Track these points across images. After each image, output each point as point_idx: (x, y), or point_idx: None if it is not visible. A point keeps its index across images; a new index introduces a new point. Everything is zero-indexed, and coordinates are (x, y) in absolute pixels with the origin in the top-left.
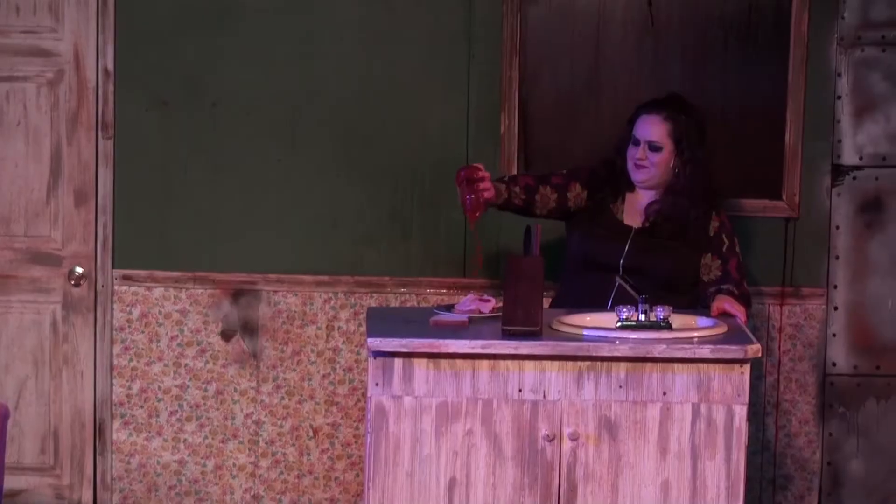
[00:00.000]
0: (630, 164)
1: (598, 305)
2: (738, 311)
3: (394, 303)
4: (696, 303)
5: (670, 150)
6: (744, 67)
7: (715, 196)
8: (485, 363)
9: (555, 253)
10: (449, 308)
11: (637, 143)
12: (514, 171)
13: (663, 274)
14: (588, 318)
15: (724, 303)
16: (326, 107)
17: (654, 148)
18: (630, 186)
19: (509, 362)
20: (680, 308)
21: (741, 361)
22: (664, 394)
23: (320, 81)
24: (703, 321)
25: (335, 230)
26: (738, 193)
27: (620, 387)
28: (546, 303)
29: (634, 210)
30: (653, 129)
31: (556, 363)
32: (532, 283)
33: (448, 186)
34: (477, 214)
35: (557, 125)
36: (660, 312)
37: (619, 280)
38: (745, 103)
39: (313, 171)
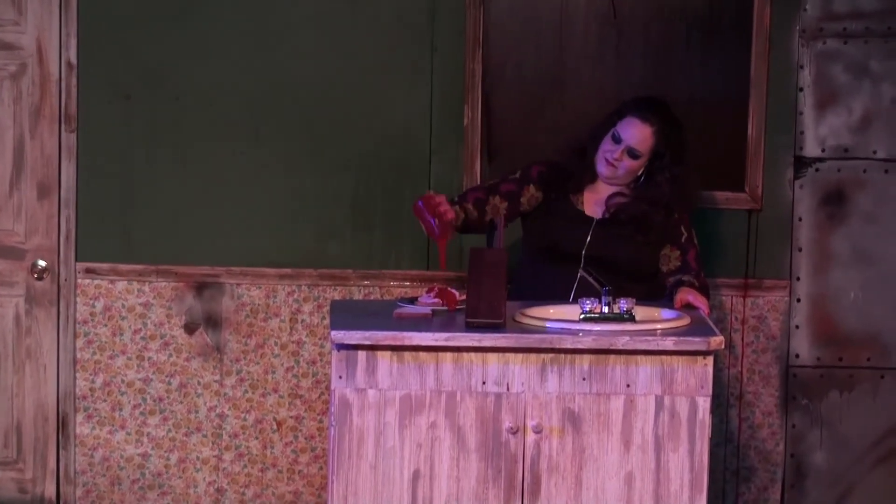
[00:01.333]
0: (600, 157)
1: (561, 297)
2: (701, 302)
3: (357, 295)
4: (655, 292)
5: (645, 161)
6: (706, 60)
7: (689, 205)
8: (448, 356)
9: (518, 245)
10: (412, 301)
11: (618, 140)
12: (478, 163)
13: (624, 264)
14: (551, 311)
15: (688, 295)
16: (289, 100)
17: (633, 154)
18: (592, 177)
19: (473, 355)
20: (639, 297)
21: (704, 353)
22: (628, 386)
23: (283, 74)
24: (666, 313)
25: (298, 223)
26: (700, 185)
27: (584, 379)
28: None
29: (595, 201)
30: (640, 136)
31: (519, 356)
32: (495, 275)
33: (411, 179)
34: (447, 238)
35: (521, 117)
36: (623, 304)
37: (582, 272)
38: (708, 95)
39: (276, 163)
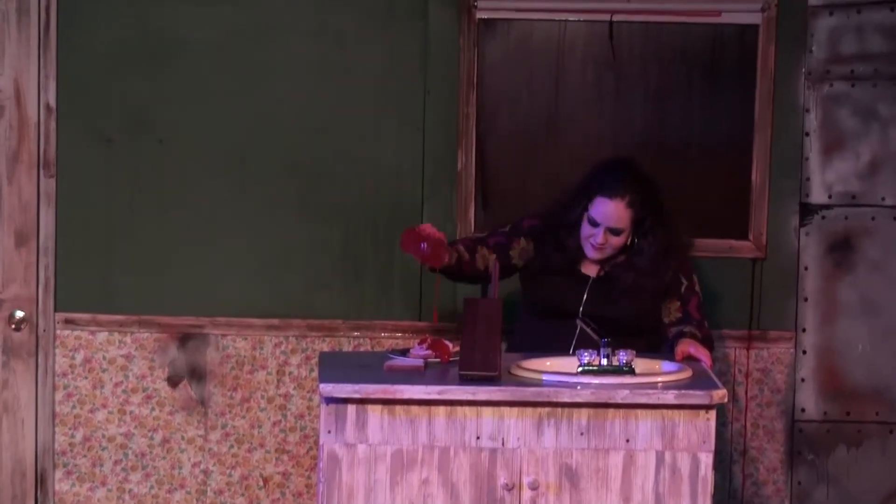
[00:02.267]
0: (585, 244)
1: (560, 350)
2: (702, 354)
3: (347, 347)
4: (658, 345)
5: (629, 232)
6: (708, 103)
7: (683, 255)
8: (441, 409)
9: (515, 296)
10: (404, 352)
11: (595, 224)
12: (472, 209)
13: (624, 320)
14: (548, 363)
15: (689, 346)
16: (277, 144)
17: (615, 233)
18: (580, 255)
19: (467, 409)
20: (641, 350)
21: (707, 407)
22: (627, 441)
23: (270, 118)
24: (667, 366)
25: (286, 271)
26: (702, 233)
27: (582, 434)
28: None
29: (590, 265)
30: (615, 215)
31: (515, 409)
32: (490, 326)
33: (403, 225)
34: (441, 261)
35: (516, 162)
36: (622, 356)
37: (580, 323)
38: (710, 140)
39: (263, 210)
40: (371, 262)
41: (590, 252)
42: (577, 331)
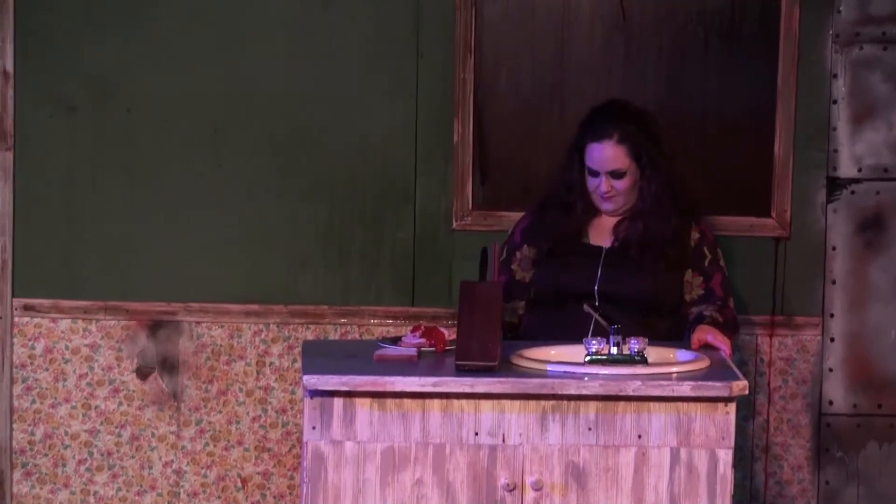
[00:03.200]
0: (595, 198)
1: (575, 340)
2: (721, 342)
3: (333, 335)
4: (681, 326)
5: (633, 171)
6: (727, 68)
7: (689, 204)
8: (436, 403)
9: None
10: (395, 341)
11: (595, 174)
12: (469, 184)
13: (643, 297)
14: (553, 352)
15: (706, 334)
16: (255, 113)
17: (617, 175)
18: (593, 213)
19: (464, 402)
20: (662, 334)
21: (726, 400)
22: (639, 437)
23: (248, 84)
24: (682, 355)
25: (266, 252)
26: (721, 210)
27: (590, 429)
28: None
29: (602, 229)
30: (609, 156)
31: (516, 403)
32: (489, 312)
33: (394, 202)
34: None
35: (517, 132)
36: (633, 345)
37: (586, 307)
38: (729, 109)
39: (240, 185)
40: (359, 241)
41: (603, 205)
42: (593, 321)
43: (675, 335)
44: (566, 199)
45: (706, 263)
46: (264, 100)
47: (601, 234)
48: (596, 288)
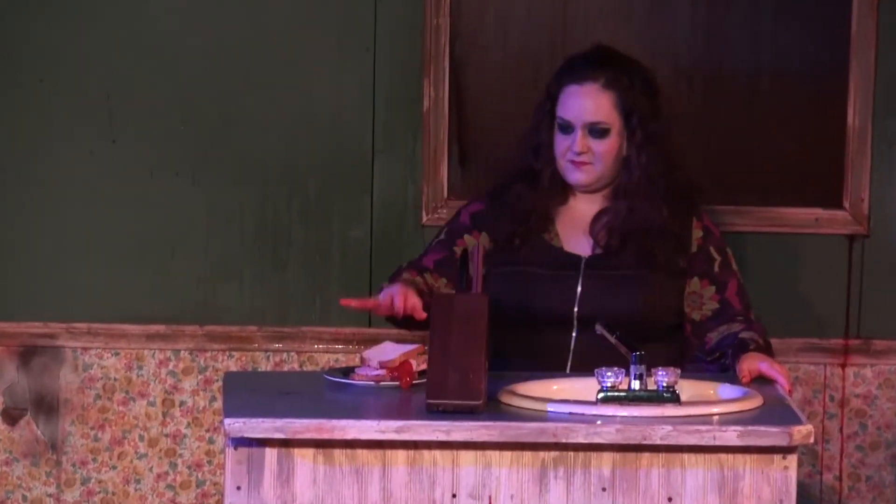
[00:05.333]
0: (563, 164)
1: (552, 371)
2: (779, 373)
3: (264, 365)
4: (684, 352)
5: (619, 131)
6: (783, 12)
7: (689, 192)
8: (401, 455)
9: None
10: (346, 373)
11: (568, 129)
12: (444, 166)
13: (633, 317)
14: (555, 387)
15: (759, 362)
16: (162, 73)
17: (597, 132)
18: (562, 195)
19: (437, 453)
20: (663, 363)
21: (785, 451)
22: (669, 500)
23: (152, 36)
24: (726, 390)
25: (175, 257)
26: (774, 199)
27: (604, 489)
28: None
29: (576, 229)
30: (590, 103)
31: (507, 455)
32: (471, 334)
33: (344, 191)
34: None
35: (507, 99)
36: (662, 377)
37: (599, 328)
38: (786, 67)
39: (141, 168)
40: (298, 242)
41: (572, 174)
42: (573, 342)
43: (673, 363)
44: (531, 167)
45: (716, 268)
46: (174, 58)
47: (576, 234)
48: (576, 310)
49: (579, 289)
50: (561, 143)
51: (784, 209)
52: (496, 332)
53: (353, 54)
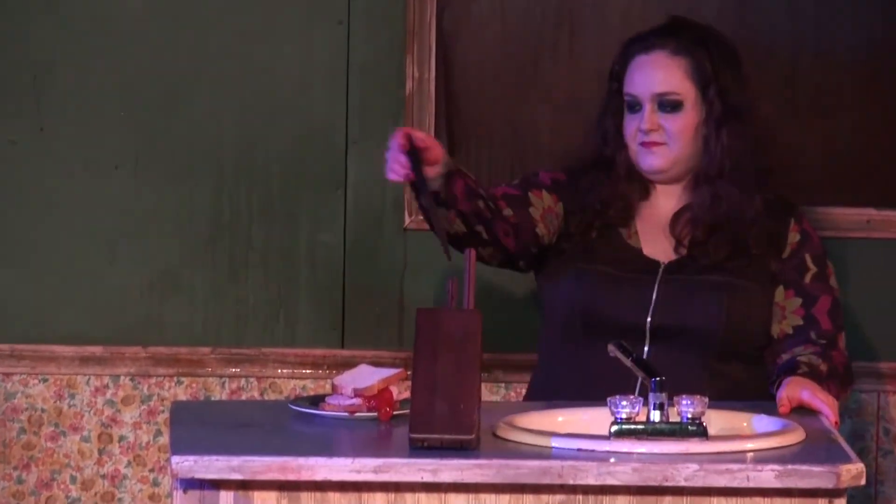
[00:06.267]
0: (634, 148)
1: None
2: (823, 402)
3: (219, 394)
4: (763, 379)
5: (694, 104)
6: None
7: (786, 188)
8: (379, 499)
9: (516, 307)
10: (315, 402)
11: (636, 106)
12: None
13: (714, 330)
14: (560, 419)
15: (801, 389)
16: (98, 52)
17: (668, 105)
18: (642, 189)
19: (423, 496)
20: (745, 388)
21: (831, 494)
22: None
23: (87, 8)
24: (762, 422)
25: (114, 266)
26: (818, 198)
27: None
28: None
29: (656, 229)
30: (659, 73)
31: (505, 498)
32: (463, 356)
33: (312, 188)
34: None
35: (505, 79)
36: (686, 407)
37: (611, 349)
38: (834, 41)
39: (74, 160)
40: (259, 247)
41: (643, 159)
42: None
43: (761, 390)
44: (602, 155)
45: (808, 279)
46: (110, 28)
47: (656, 236)
48: (648, 320)
49: (654, 296)
50: (630, 124)
51: (831, 209)
52: (548, 344)
53: (324, 27)
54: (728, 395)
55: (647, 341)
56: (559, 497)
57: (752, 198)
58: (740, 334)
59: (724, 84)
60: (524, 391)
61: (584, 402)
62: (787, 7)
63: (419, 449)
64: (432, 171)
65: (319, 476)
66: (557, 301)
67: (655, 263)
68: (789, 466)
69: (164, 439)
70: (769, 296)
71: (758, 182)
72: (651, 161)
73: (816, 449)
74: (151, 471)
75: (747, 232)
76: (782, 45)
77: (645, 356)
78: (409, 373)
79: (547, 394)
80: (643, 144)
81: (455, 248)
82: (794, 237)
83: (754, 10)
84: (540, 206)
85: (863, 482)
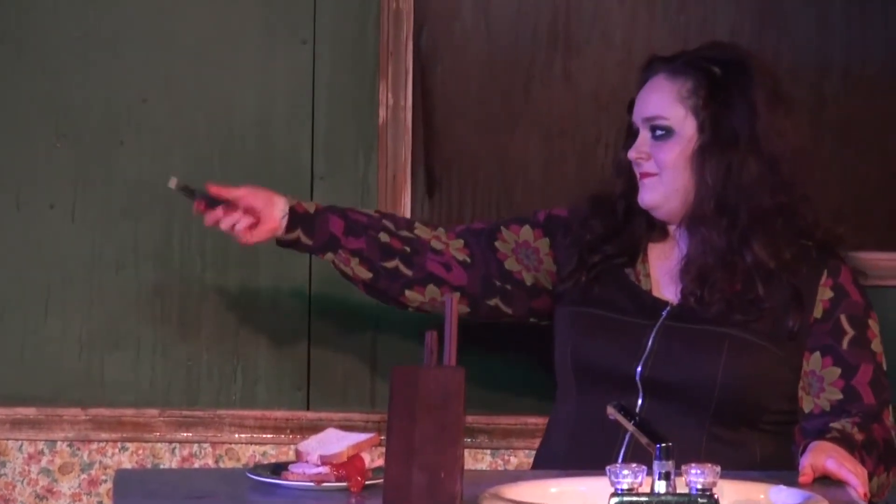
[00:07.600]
0: (637, 182)
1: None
2: (851, 472)
3: (168, 461)
4: (785, 449)
5: (690, 134)
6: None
7: (823, 233)
8: None
9: (505, 363)
10: (277, 470)
11: (634, 132)
12: (406, 195)
13: (711, 389)
14: (553, 489)
15: (826, 457)
16: (29, 72)
17: (656, 131)
18: (659, 228)
19: None
20: (757, 459)
21: None
22: None
23: (16, 21)
24: (780, 494)
25: (49, 317)
26: (852, 243)
27: None
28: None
29: (671, 271)
30: (651, 95)
31: None
32: (444, 420)
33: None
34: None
35: (490, 107)
36: (695, 476)
37: (611, 411)
38: (863, 58)
39: (2, 199)
40: (214, 295)
41: (639, 193)
42: (627, 433)
43: (779, 463)
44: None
45: (845, 344)
46: (43, 45)
47: (670, 278)
48: (639, 369)
49: (649, 343)
50: (630, 154)
51: (864, 254)
52: (554, 401)
53: (286, 48)
54: (730, 464)
55: (641, 394)
56: None
57: (753, 246)
58: (743, 395)
59: (721, 109)
60: (512, 458)
61: (579, 470)
62: (814, 27)
63: None
64: (272, 220)
65: None
66: (555, 348)
67: (662, 304)
68: None
69: None
70: (789, 357)
71: (782, 228)
72: (643, 196)
73: None
74: None
75: (755, 284)
76: (806, 58)
77: (637, 410)
78: (382, 438)
79: (546, 460)
80: (640, 176)
81: (380, 296)
82: (825, 293)
83: (777, 29)
84: (511, 241)
85: None
